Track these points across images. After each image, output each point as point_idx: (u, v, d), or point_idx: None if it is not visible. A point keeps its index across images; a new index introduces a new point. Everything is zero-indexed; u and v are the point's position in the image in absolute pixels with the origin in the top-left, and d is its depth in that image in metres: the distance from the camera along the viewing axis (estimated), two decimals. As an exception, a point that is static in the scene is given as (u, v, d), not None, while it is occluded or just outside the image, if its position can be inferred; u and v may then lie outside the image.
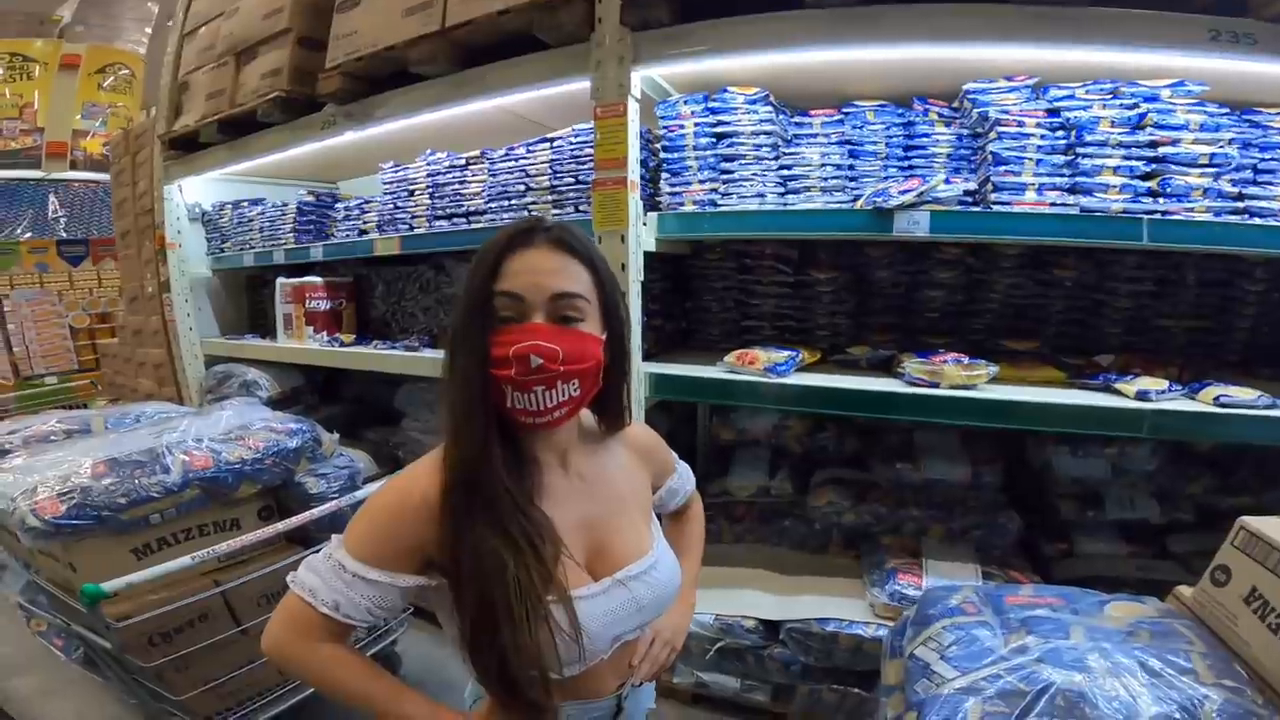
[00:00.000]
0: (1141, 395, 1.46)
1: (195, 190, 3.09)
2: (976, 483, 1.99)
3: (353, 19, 2.08)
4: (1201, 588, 1.03)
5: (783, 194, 1.73)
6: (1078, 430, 1.70)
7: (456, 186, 2.20)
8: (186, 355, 3.13)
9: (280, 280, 2.79)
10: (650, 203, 1.84)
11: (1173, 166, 1.45)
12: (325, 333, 2.74)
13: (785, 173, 1.72)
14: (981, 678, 0.91)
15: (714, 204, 1.75)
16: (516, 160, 2.05)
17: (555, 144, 1.97)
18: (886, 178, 1.68)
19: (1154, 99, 1.47)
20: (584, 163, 1.89)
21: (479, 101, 1.94)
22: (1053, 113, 1.53)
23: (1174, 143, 1.45)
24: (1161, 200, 1.45)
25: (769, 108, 1.70)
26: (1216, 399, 1.41)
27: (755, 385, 1.70)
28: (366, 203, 2.56)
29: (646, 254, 1.78)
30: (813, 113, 1.74)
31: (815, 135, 1.72)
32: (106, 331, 6.00)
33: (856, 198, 1.64)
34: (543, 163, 1.99)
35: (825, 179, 1.70)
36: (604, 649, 0.84)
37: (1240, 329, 1.93)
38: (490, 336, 0.77)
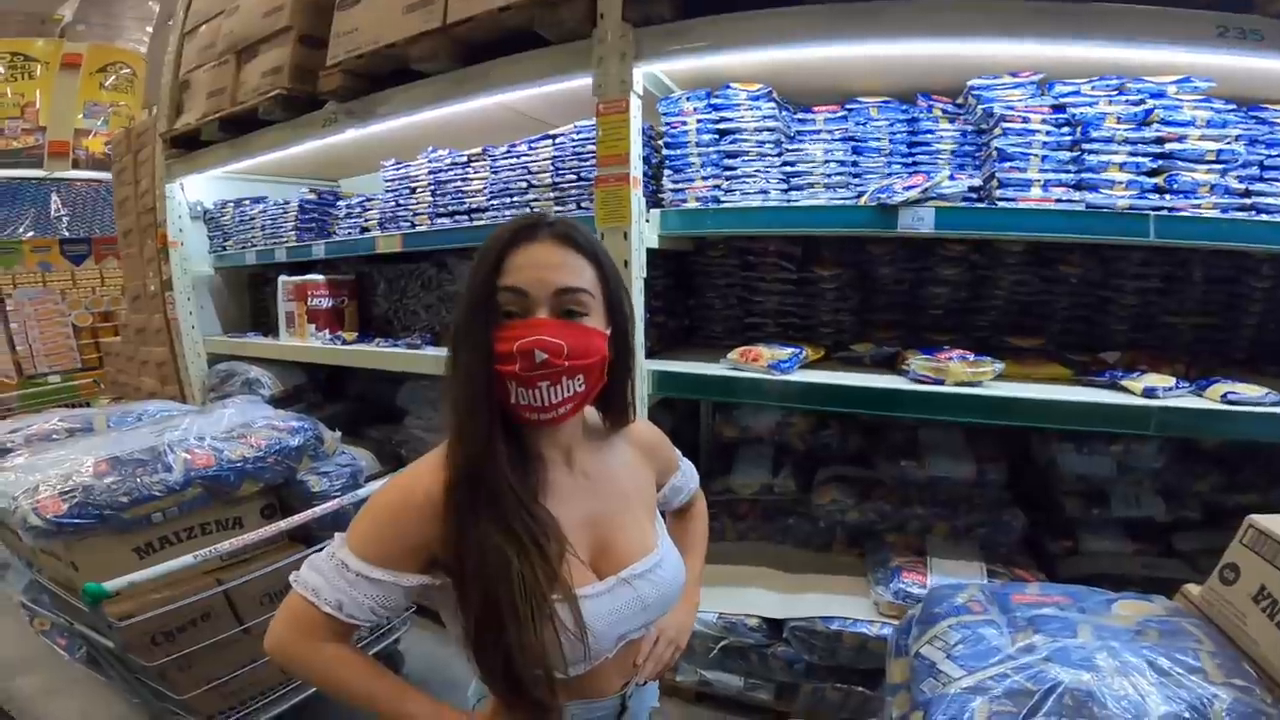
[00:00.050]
0: (1148, 392, 1.45)
1: (197, 188, 3.09)
2: (981, 480, 1.99)
3: (353, 16, 2.08)
4: (1210, 586, 1.02)
5: (786, 190, 1.72)
6: (1083, 427, 1.70)
7: (458, 184, 2.20)
8: (189, 353, 3.12)
9: (282, 278, 2.80)
10: (653, 199, 1.83)
11: (1179, 163, 1.45)
12: (328, 330, 2.74)
13: (788, 169, 1.72)
14: (988, 677, 0.90)
15: (717, 200, 1.74)
16: (518, 157, 2.05)
17: (557, 141, 1.96)
18: (890, 174, 1.68)
19: (1160, 95, 1.47)
20: (586, 159, 1.88)
21: (480, 98, 1.93)
22: (1058, 109, 1.53)
23: (1180, 139, 1.45)
24: (1168, 197, 1.44)
25: (772, 104, 1.70)
26: (1224, 396, 1.40)
27: (758, 382, 1.70)
28: (368, 200, 2.56)
29: (649, 251, 1.78)
30: (816, 109, 1.74)
31: (818, 131, 1.72)
32: (109, 330, 6.00)
33: (860, 194, 1.63)
34: (545, 160, 1.98)
35: (829, 175, 1.69)
36: (609, 648, 0.83)
37: (1247, 326, 1.93)
38: (494, 332, 0.76)
